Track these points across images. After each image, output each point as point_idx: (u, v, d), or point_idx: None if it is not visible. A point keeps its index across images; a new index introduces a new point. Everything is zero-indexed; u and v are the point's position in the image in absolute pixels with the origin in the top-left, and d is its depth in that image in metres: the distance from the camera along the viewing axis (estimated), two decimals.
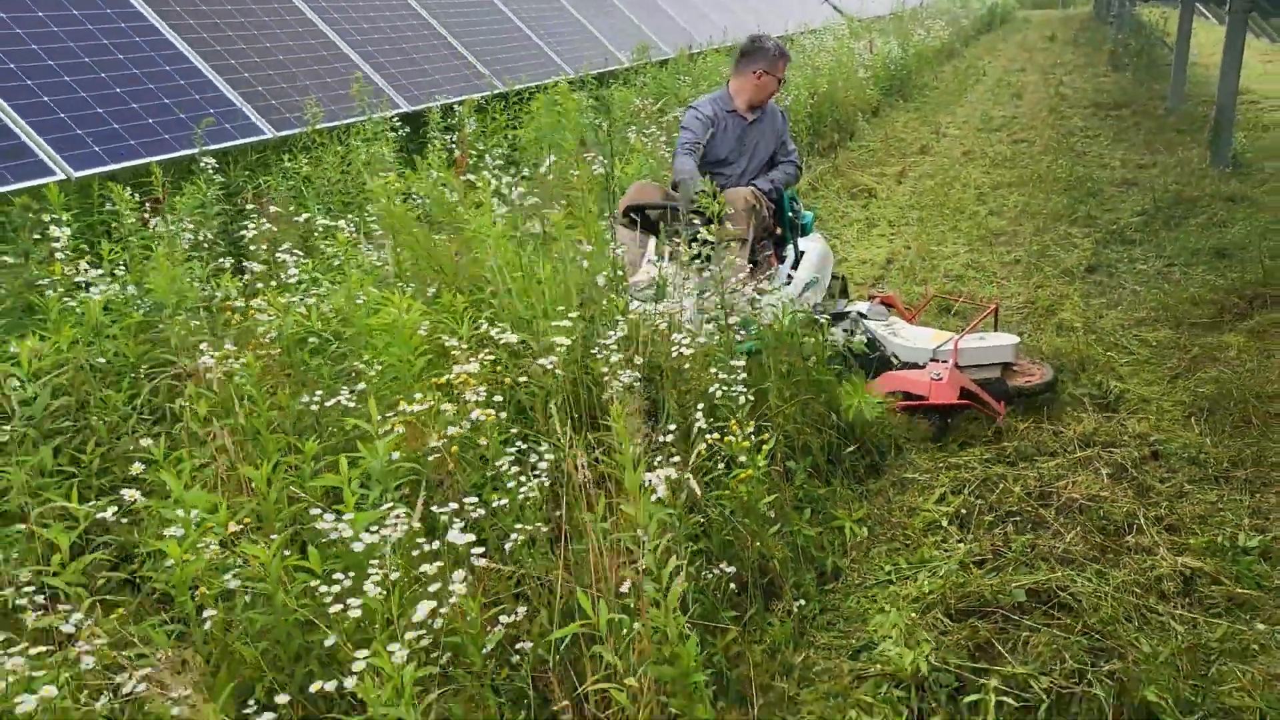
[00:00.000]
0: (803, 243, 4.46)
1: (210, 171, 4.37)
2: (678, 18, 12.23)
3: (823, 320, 3.69)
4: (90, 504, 2.17)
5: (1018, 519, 3.15)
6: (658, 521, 1.98)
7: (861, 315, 4.21)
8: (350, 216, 3.99)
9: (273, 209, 3.60)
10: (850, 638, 2.61)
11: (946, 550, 2.99)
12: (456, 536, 1.93)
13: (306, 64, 5.72)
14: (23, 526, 2.20)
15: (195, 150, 4.52)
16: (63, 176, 3.98)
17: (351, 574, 1.84)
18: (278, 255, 3.21)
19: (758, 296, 3.55)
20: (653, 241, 3.97)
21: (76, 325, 2.90)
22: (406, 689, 1.61)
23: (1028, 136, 10.20)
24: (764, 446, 2.54)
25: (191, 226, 3.78)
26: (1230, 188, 7.41)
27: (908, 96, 13.25)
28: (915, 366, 3.95)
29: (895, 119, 11.53)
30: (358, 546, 1.91)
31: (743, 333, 3.38)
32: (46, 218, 3.39)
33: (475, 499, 2.14)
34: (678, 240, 3.59)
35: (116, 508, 2.06)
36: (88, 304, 2.95)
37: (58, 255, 3.20)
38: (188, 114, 4.73)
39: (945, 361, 3.84)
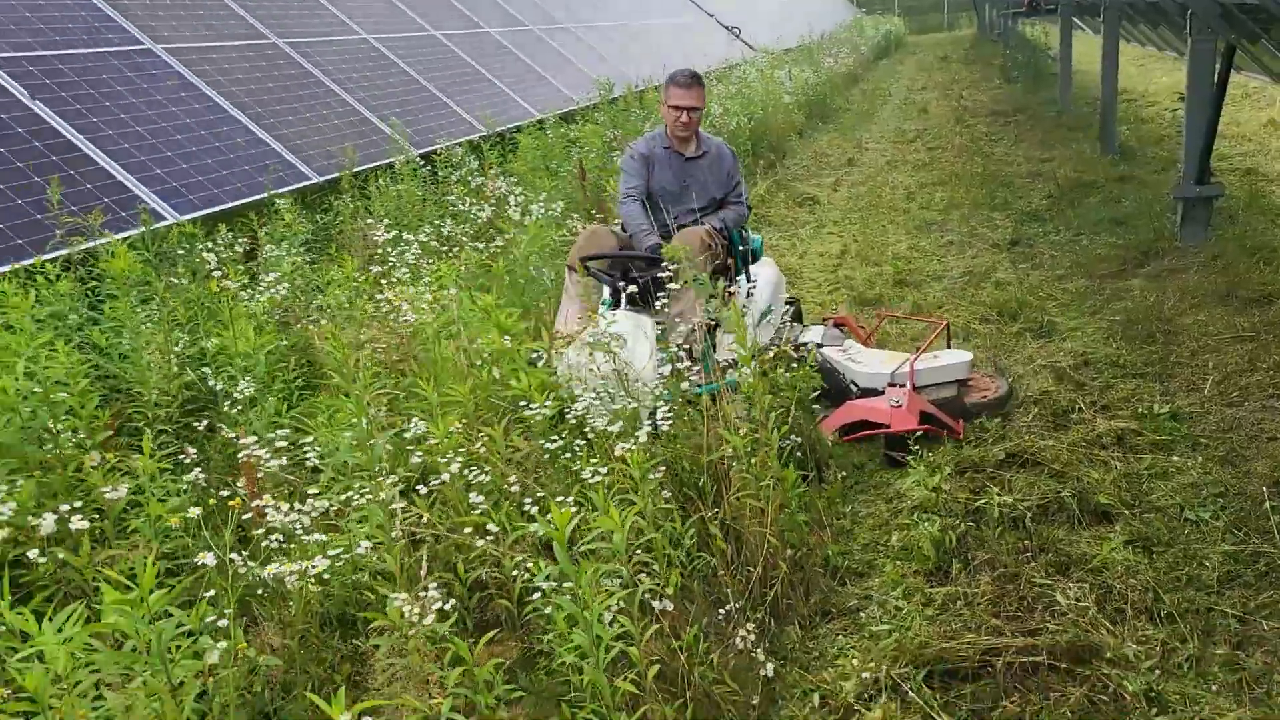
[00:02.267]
0: (755, 270, 4.40)
1: (282, 209, 5.14)
2: (621, 64, 13.26)
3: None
4: None
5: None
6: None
7: (818, 345, 4.21)
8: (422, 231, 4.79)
9: (376, 236, 4.41)
10: (886, 489, 3.51)
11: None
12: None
13: (331, 121, 6.52)
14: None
15: (265, 195, 5.29)
16: (172, 220, 4.72)
17: None
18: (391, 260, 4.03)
19: (711, 335, 3.58)
20: (606, 291, 3.95)
21: (254, 321, 3.66)
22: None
23: (940, 144, 11.38)
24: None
25: (294, 254, 4.56)
26: (1120, 171, 8.62)
27: (826, 118, 14.42)
28: (874, 392, 3.94)
29: (820, 138, 12.65)
30: None
31: (697, 376, 3.29)
32: (186, 249, 4.15)
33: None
34: (634, 289, 3.61)
35: None
36: (259, 304, 3.72)
37: (214, 273, 3.96)
38: (251, 165, 5.51)
39: (903, 385, 3.82)
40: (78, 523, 2.07)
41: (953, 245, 6.95)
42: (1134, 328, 4.86)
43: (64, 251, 3.93)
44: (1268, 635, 2.60)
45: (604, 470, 2.27)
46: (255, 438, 2.46)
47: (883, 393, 3.85)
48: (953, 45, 29.76)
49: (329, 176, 5.94)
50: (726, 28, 20.37)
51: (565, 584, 2.01)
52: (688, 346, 3.54)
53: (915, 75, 21.12)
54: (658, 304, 3.57)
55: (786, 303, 4.64)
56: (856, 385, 4.06)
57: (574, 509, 2.07)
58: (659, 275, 3.59)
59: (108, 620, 1.64)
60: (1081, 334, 4.89)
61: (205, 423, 3.01)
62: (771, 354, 3.48)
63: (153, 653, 1.64)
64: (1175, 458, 3.55)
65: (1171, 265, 5.83)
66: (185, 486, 2.48)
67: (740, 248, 4.38)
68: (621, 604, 2.12)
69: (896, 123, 13.61)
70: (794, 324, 4.60)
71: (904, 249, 6.94)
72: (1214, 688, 2.41)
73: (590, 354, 3.12)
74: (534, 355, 3.42)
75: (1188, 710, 2.34)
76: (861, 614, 2.84)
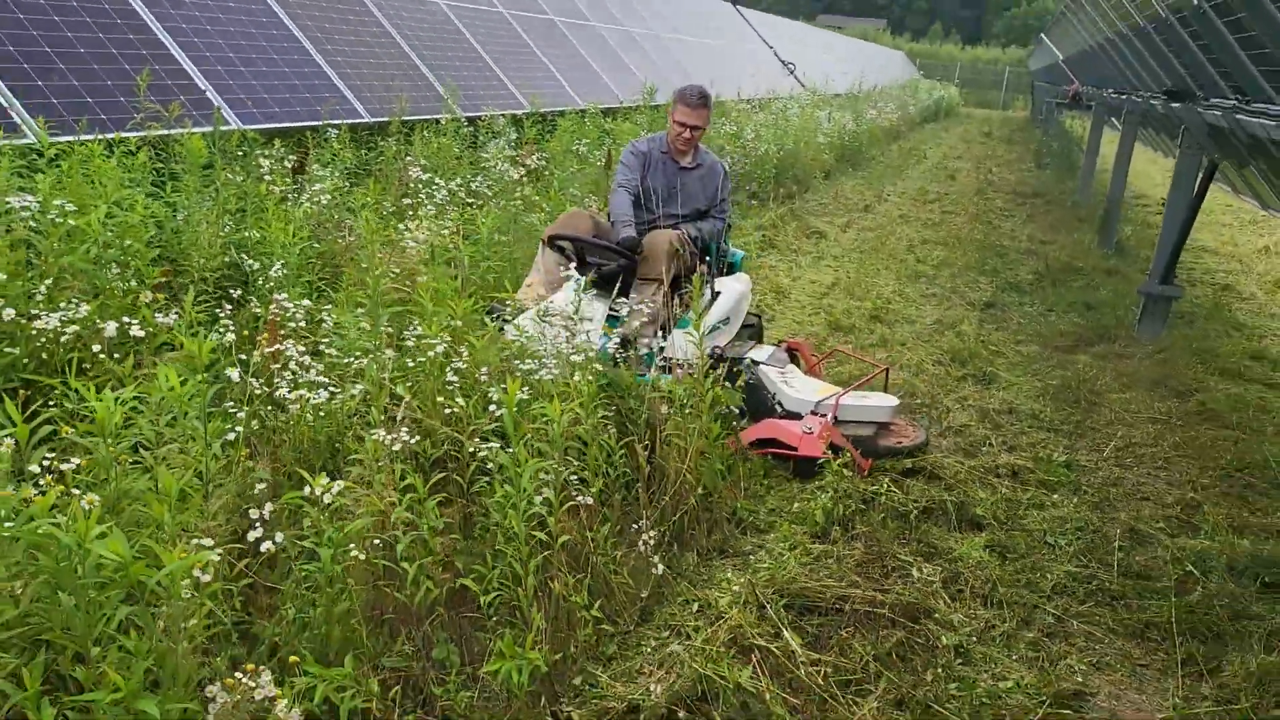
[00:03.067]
0: (723, 283, 4.56)
1: (333, 138, 5.69)
2: (669, 72, 13.84)
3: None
4: None
5: None
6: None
7: (755, 362, 4.36)
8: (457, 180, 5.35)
9: (413, 172, 4.97)
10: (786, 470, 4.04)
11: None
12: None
13: (389, 70, 7.09)
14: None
15: (320, 123, 5.85)
16: (235, 127, 5.28)
17: None
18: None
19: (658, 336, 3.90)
20: (575, 270, 4.06)
21: (292, 223, 4.20)
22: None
23: (955, 209, 11.94)
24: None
25: (336, 178, 5.11)
26: (1109, 264, 9.14)
27: (857, 166, 15.00)
28: (796, 416, 4.13)
29: (845, 182, 13.21)
30: None
31: (642, 369, 3.61)
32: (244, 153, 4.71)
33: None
34: (595, 272, 3.90)
35: None
36: (299, 211, 4.27)
37: (265, 177, 4.51)
38: (312, 94, 6.07)
39: (824, 416, 4.04)
40: (136, 330, 2.61)
41: (934, 297, 7.48)
42: (1064, 392, 5.39)
43: (142, 133, 4.48)
44: (1074, 634, 3.12)
45: (556, 371, 2.80)
46: (284, 295, 3.00)
47: (802, 418, 4.07)
48: (1001, 124, 30.38)
49: (380, 119, 6.49)
50: (783, 61, 20.97)
51: (507, 449, 2.54)
52: (633, 338, 3.79)
53: (955, 144, 21.71)
54: (630, 296, 3.83)
55: (746, 323, 4.76)
56: (782, 406, 4.22)
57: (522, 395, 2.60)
58: (612, 265, 3.87)
59: (162, 387, 2.16)
60: (1017, 389, 5.42)
61: (238, 293, 3.55)
62: (709, 360, 3.74)
63: (189, 416, 2.17)
64: (1055, 495, 4.08)
65: (1120, 350, 6.35)
66: (219, 332, 3.01)
67: (708, 258, 4.58)
68: (548, 490, 2.65)
69: (922, 183, 14.17)
70: (749, 341, 4.72)
71: (889, 292, 7.48)
72: (1013, 657, 2.94)
73: (537, 324, 3.43)
74: (492, 311, 3.82)
75: (984, 667, 2.87)
76: (751, 557, 3.37)
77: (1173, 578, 3.46)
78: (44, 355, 2.81)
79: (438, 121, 6.87)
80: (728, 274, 4.75)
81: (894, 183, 13.95)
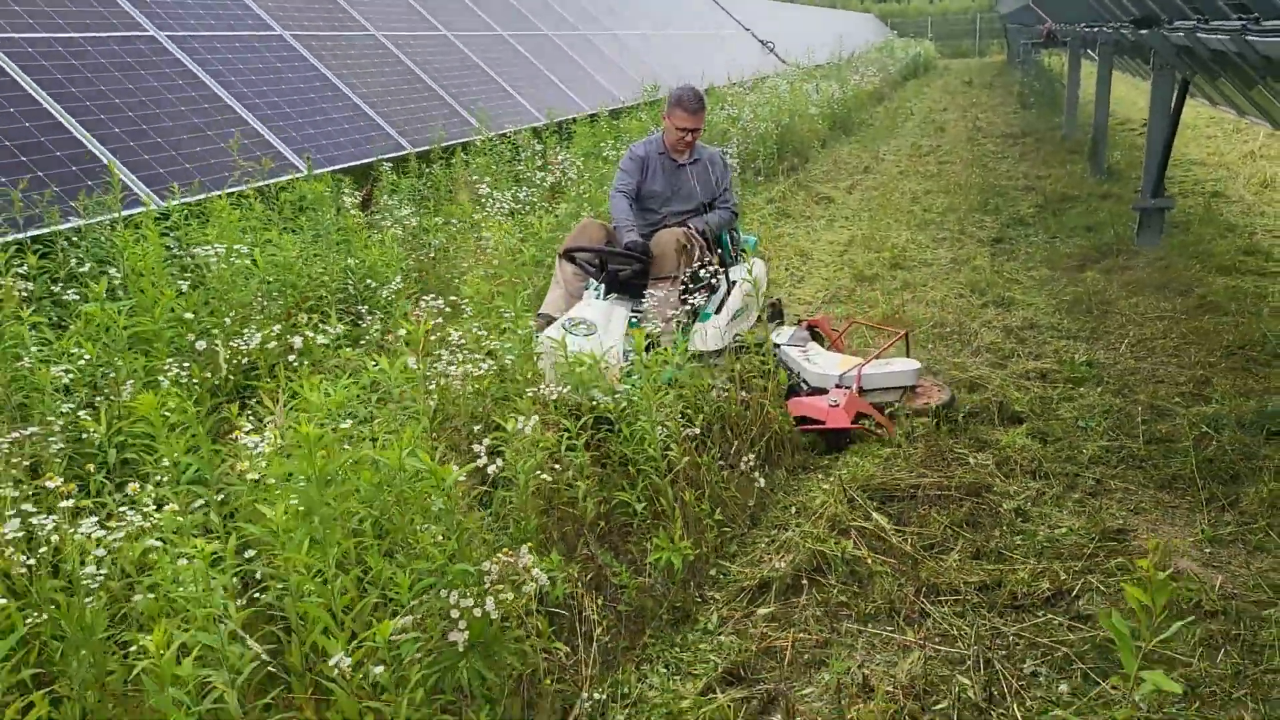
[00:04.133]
0: (737, 271, 4.61)
1: (385, 171, 6.30)
2: (633, 73, 14.43)
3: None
4: None
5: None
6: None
7: (777, 345, 4.45)
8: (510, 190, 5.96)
9: (480, 188, 5.59)
10: None
11: None
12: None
13: (419, 102, 7.71)
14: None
15: (373, 159, 6.47)
16: (301, 174, 5.90)
17: None
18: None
19: (682, 325, 4.06)
20: (592, 281, 4.27)
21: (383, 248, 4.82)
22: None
23: (950, 158, 12.48)
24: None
25: (404, 204, 5.72)
26: (1104, 189, 9.69)
27: (849, 131, 15.54)
28: (822, 391, 4.24)
29: (841, 148, 13.77)
30: None
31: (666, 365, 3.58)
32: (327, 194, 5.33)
33: None
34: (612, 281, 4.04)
35: None
36: (384, 236, 4.89)
37: (351, 212, 5.12)
38: (360, 135, 6.69)
39: (848, 388, 4.16)
40: (297, 342, 3.22)
41: (945, 240, 8.05)
42: (1077, 305, 5.96)
43: (241, 187, 5.10)
44: (1113, 491, 3.70)
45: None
46: (433, 295, 3.61)
47: (828, 392, 4.18)
48: (980, 71, 30.81)
49: (419, 149, 7.11)
50: (761, 42, 21.51)
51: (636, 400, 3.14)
52: (659, 336, 3.91)
53: (939, 97, 22.19)
54: (646, 297, 4.02)
55: (770, 304, 4.85)
56: (807, 384, 4.34)
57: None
58: (627, 270, 4.04)
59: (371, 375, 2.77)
60: (1034, 307, 5.99)
61: (364, 307, 4.17)
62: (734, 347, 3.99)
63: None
64: (1081, 389, 4.66)
65: (1123, 263, 6.92)
66: (364, 338, 3.62)
67: (720, 250, 4.72)
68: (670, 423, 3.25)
69: (914, 138, 14.70)
70: (772, 322, 4.83)
71: (903, 241, 8.05)
72: (1063, 512, 3.52)
73: (564, 335, 3.56)
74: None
75: (1040, 522, 3.45)
76: (831, 469, 3.96)
77: (1191, 438, 4.03)
78: (233, 374, 3.42)
79: (469, 144, 7.48)
80: (743, 260, 4.77)
81: (887, 142, 14.49)
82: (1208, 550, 3.29)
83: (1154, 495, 3.67)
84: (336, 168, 6.19)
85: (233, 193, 5.18)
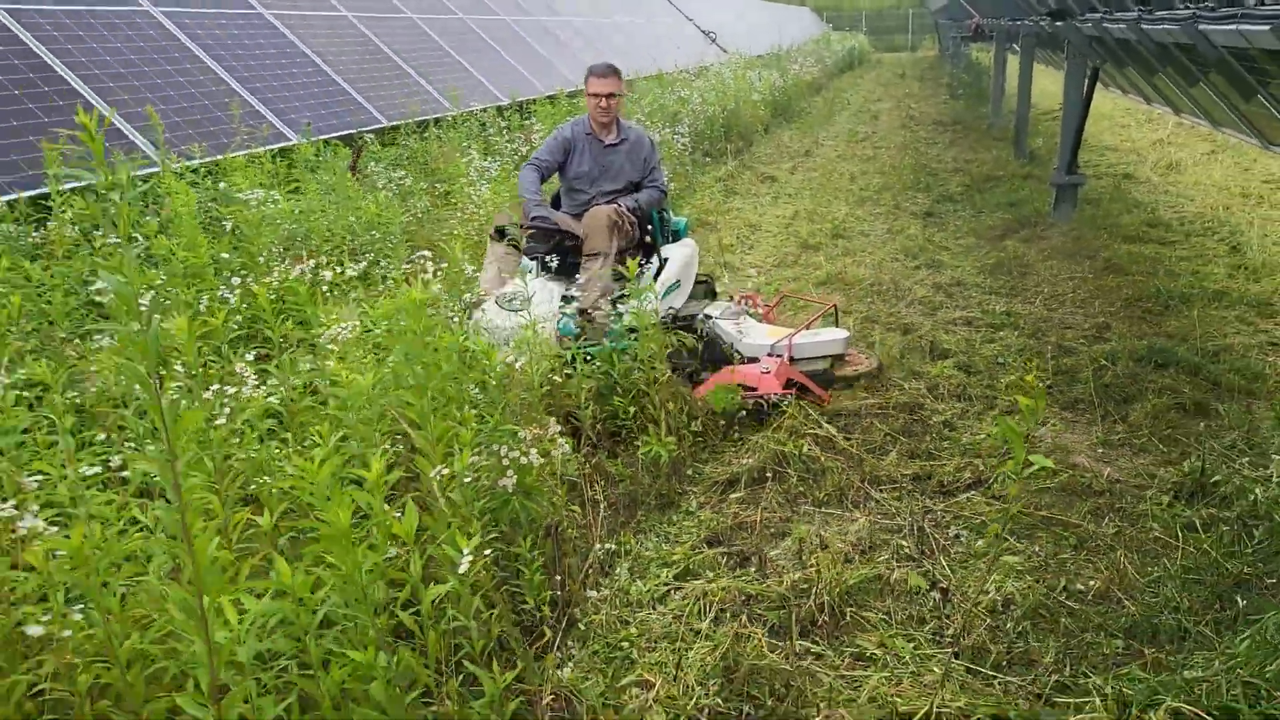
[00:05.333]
0: (670, 249, 4.74)
1: (368, 141, 6.74)
2: (587, 57, 14.96)
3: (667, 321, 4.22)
4: None
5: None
6: None
7: (708, 316, 4.60)
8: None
9: (469, 156, 6.07)
10: None
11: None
12: None
13: (390, 81, 8.15)
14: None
15: (354, 130, 6.91)
16: (296, 141, 6.33)
17: None
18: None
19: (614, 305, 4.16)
20: (525, 258, 4.34)
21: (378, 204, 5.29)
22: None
23: (885, 144, 13.21)
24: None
25: (387, 170, 6.19)
26: (1025, 170, 10.47)
27: (789, 118, 16.23)
28: (755, 360, 4.35)
29: (782, 134, 14.43)
30: None
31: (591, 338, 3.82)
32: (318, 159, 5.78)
33: None
34: (539, 255, 4.11)
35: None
36: (377, 196, 5.36)
37: (348, 173, 5.57)
38: (343, 109, 7.12)
39: (779, 356, 4.30)
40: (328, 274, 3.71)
41: (881, 214, 8.72)
42: (999, 268, 6.65)
43: (246, 151, 5.54)
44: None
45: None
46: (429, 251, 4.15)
47: (759, 361, 4.31)
48: (912, 65, 31.85)
49: (394, 122, 7.56)
50: (704, 32, 22.13)
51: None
52: (590, 311, 4.04)
53: (873, 88, 23.04)
54: (579, 276, 4.14)
55: (699, 280, 5.01)
56: (740, 354, 4.43)
57: None
58: (548, 244, 4.17)
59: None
60: (961, 269, 6.67)
61: (370, 255, 4.66)
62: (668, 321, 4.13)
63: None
64: (1000, 333, 5.33)
65: (1040, 233, 7.64)
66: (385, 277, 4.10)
67: (651, 227, 4.77)
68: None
69: (850, 125, 15.43)
70: (704, 299, 4.96)
71: (843, 215, 8.69)
72: (983, 424, 4.16)
73: (499, 310, 3.72)
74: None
75: (964, 429, 4.09)
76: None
77: (1090, 370, 4.70)
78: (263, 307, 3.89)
79: (439, 119, 7.95)
80: (674, 241, 4.93)
81: (825, 129, 15.19)
82: (1100, 451, 3.95)
83: (1059, 414, 4.33)
84: (320, 138, 6.62)
85: (236, 156, 5.60)
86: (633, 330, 3.87)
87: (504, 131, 8.01)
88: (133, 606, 1.80)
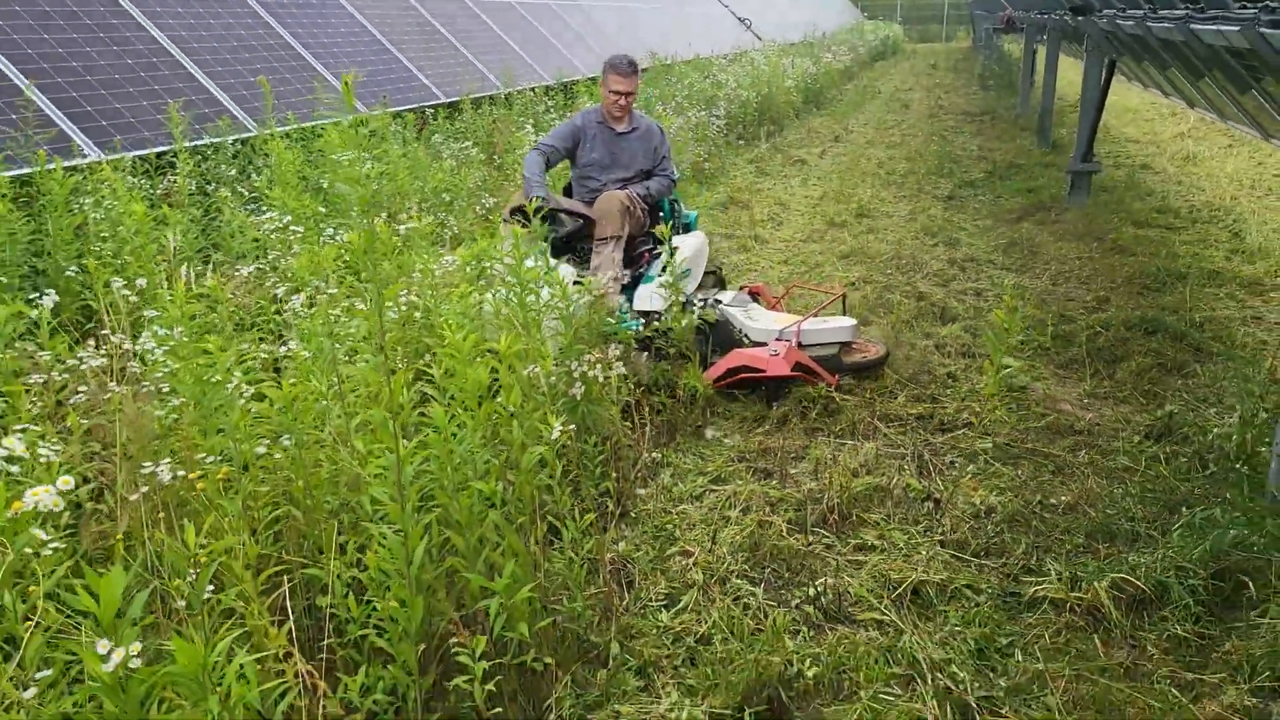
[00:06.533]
0: (680, 239, 4.79)
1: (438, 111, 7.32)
2: (623, 42, 15.46)
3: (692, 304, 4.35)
4: None
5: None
6: None
7: (718, 301, 4.68)
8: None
9: (524, 131, 6.64)
10: None
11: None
12: None
13: (447, 60, 8.72)
14: None
15: (416, 105, 7.49)
16: (376, 111, 6.92)
17: None
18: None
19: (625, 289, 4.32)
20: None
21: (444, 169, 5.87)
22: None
23: (913, 132, 13.65)
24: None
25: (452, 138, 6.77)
26: (1047, 159, 10.91)
27: (821, 105, 16.68)
28: (763, 345, 4.39)
29: (813, 119, 14.90)
30: None
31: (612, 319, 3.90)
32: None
33: None
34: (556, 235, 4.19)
35: None
36: (442, 164, 5.93)
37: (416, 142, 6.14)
38: (406, 86, 7.70)
39: (788, 341, 4.35)
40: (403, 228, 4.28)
41: (905, 197, 9.21)
42: (1012, 247, 7.14)
43: (288, 127, 6.13)
44: (1023, 369, 4.87)
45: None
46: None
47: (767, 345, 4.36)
48: (945, 55, 32.08)
49: (452, 99, 8.13)
50: (739, 18, 22.55)
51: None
52: (602, 294, 4.08)
53: (905, 78, 23.38)
54: (593, 261, 4.27)
55: (708, 271, 5.12)
56: (748, 339, 4.49)
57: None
58: (567, 227, 4.32)
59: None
60: (976, 247, 7.17)
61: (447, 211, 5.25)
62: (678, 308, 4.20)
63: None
64: (1005, 299, 5.83)
65: (1054, 217, 8.11)
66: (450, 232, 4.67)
67: (662, 214, 4.94)
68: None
69: (880, 114, 15.87)
70: (713, 288, 5.07)
71: (868, 197, 9.19)
72: (983, 377, 4.68)
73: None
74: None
75: (965, 381, 4.61)
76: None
77: (1086, 335, 5.21)
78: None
79: (493, 97, 8.51)
80: (684, 233, 5.06)
81: (855, 116, 15.64)
82: (1086, 401, 4.47)
83: (1053, 371, 4.84)
84: (396, 109, 7.21)
85: (317, 124, 6.19)
86: (648, 313, 4.15)
87: (549, 110, 8.56)
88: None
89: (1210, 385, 4.52)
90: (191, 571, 1.63)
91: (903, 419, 4.23)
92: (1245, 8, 4.14)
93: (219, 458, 2.17)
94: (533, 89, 9.32)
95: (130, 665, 1.28)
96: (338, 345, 2.40)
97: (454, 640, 2.04)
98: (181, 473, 2.07)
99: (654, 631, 2.73)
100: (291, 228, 3.99)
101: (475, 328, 3.12)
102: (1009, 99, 16.85)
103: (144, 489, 2.12)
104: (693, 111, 10.15)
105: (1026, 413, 4.26)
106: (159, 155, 4.99)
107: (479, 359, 2.29)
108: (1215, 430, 3.86)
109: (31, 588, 1.55)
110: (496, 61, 9.62)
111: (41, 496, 1.52)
